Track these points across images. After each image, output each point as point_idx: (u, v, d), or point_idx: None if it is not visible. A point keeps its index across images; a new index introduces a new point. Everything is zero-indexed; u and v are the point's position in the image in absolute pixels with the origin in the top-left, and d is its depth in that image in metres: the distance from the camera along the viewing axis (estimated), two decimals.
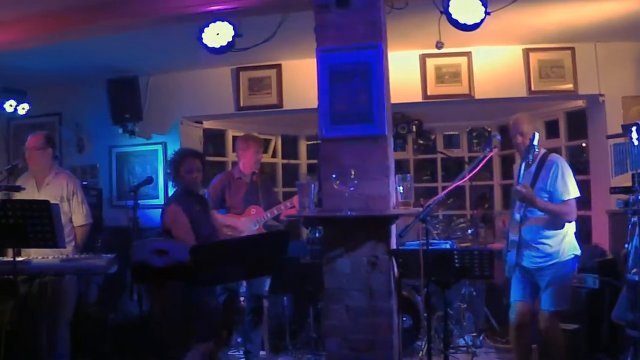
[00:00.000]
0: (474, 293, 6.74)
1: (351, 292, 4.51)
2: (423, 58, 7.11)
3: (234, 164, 6.80)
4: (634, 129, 4.34)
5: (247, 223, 6.06)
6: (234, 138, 8.64)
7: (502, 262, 5.00)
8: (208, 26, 5.14)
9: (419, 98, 7.15)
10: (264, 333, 6.36)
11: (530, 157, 4.65)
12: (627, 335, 4.40)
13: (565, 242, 4.79)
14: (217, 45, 5.17)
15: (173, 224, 4.99)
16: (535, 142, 4.56)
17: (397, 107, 6.21)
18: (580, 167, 7.75)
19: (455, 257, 4.32)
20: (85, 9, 5.37)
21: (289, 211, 6.06)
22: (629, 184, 4.52)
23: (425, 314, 5.33)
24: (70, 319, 5.53)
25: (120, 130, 7.81)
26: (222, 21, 5.15)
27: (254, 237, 5.56)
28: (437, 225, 7.33)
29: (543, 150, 4.86)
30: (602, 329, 5.45)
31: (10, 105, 7.57)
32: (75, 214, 5.71)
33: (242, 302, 6.11)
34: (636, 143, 4.31)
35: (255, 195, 6.18)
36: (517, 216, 4.88)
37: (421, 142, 9.31)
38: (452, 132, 9.36)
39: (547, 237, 4.78)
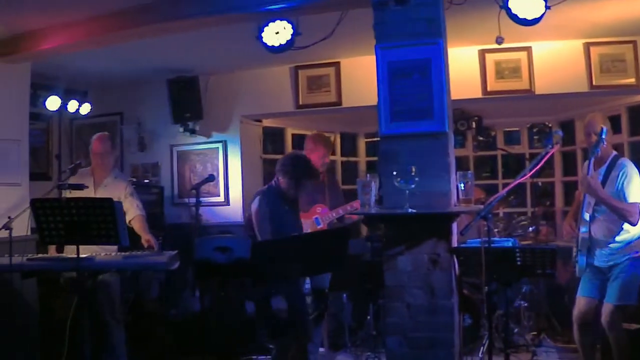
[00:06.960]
0: (536, 292, 6.65)
1: (412, 289, 4.45)
2: (482, 53, 7.04)
3: None
4: None
5: (312, 222, 6.08)
6: (293, 136, 8.72)
7: (566, 261, 4.93)
8: (267, 25, 5.17)
9: (478, 94, 7.08)
10: (323, 330, 6.37)
11: (598, 150, 4.60)
12: None
13: (635, 239, 4.79)
14: (276, 44, 5.20)
15: (254, 215, 5.06)
16: (604, 136, 4.52)
17: (456, 103, 6.10)
18: None
19: (517, 255, 4.27)
20: (146, 10, 5.43)
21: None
22: None
23: (485, 313, 5.27)
24: (121, 317, 5.60)
25: (181, 129, 7.95)
26: (281, 20, 5.17)
27: (315, 234, 5.58)
28: (498, 223, 7.24)
29: (613, 153, 4.83)
30: None
31: (73, 106, 7.74)
32: (129, 211, 5.63)
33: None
34: None
35: (321, 194, 6.17)
36: (587, 215, 4.86)
37: (481, 138, 9.15)
38: (512, 128, 9.19)
39: (618, 234, 4.79)
